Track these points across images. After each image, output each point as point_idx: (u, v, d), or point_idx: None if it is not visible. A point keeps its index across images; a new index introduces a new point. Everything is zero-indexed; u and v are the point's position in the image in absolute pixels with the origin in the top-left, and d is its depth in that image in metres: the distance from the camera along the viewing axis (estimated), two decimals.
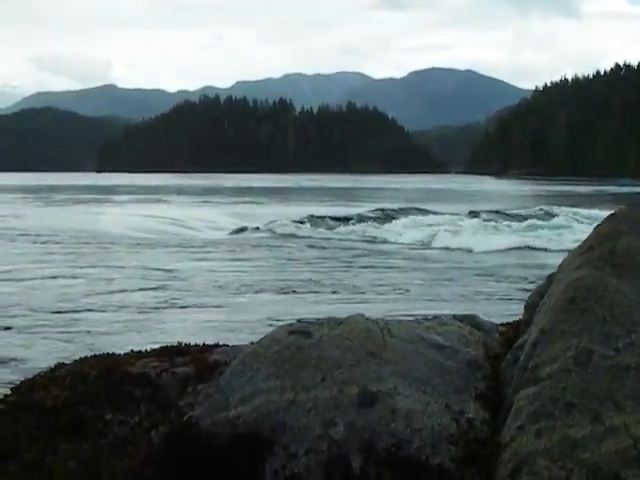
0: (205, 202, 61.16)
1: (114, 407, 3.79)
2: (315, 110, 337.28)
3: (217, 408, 3.60)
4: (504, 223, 36.46)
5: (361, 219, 38.37)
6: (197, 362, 4.04)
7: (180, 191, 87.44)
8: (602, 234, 4.01)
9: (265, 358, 3.75)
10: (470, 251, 26.69)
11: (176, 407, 3.75)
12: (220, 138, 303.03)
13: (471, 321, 4.34)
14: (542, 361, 3.42)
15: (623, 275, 3.68)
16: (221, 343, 4.46)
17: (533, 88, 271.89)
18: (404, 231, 33.41)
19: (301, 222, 35.69)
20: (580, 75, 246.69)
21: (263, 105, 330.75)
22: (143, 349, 4.37)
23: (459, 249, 27.41)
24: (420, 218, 38.72)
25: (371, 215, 40.13)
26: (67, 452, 3.65)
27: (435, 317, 4.35)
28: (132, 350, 4.37)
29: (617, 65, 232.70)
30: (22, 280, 18.51)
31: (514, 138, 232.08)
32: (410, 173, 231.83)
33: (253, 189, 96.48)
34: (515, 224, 36.03)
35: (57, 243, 28.10)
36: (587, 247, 3.98)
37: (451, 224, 34.95)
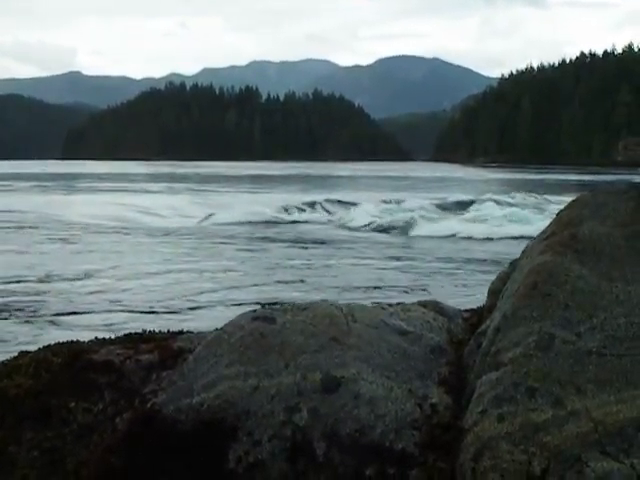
0: (172, 190, 60.96)
1: (78, 395, 3.77)
2: (282, 98, 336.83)
3: (180, 395, 3.59)
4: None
5: (323, 206, 38.69)
6: (161, 349, 4.03)
7: (146, 179, 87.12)
8: (564, 220, 4.04)
9: (228, 344, 3.75)
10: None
11: (140, 394, 3.74)
12: (187, 126, 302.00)
13: (435, 307, 4.36)
14: (504, 346, 3.44)
15: (585, 260, 3.70)
16: (185, 330, 4.45)
17: (499, 76, 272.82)
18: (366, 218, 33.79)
19: (268, 209, 35.85)
20: (546, 63, 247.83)
21: (229, 92, 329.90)
22: (106, 336, 4.35)
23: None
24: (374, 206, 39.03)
25: (332, 203, 40.49)
26: (31, 441, 3.63)
27: (399, 303, 4.36)
28: (96, 337, 4.35)
29: (582, 53, 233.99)
30: None
31: (480, 126, 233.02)
32: (375, 161, 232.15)
33: (220, 177, 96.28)
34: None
35: (21, 228, 28.06)
36: (550, 233, 4.01)
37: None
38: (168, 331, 4.42)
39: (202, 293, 15.48)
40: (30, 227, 29.06)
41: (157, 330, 4.43)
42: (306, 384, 3.50)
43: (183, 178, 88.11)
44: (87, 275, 17.29)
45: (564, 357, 3.30)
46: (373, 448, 3.32)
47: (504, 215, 33.44)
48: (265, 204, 38.20)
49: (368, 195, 47.11)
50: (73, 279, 16.80)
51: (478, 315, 4.27)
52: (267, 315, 3.89)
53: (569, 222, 3.98)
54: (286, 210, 36.78)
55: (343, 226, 31.57)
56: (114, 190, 59.60)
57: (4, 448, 3.61)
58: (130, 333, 4.36)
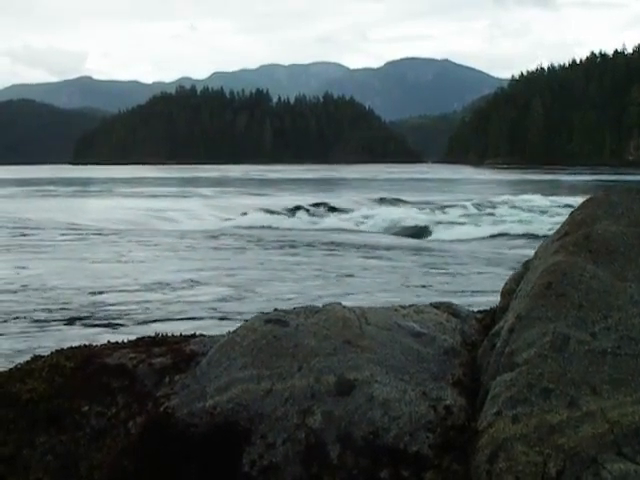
0: (184, 194, 61.08)
1: (91, 399, 3.77)
2: (292, 101, 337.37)
3: (194, 398, 3.59)
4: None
5: (335, 209, 38.74)
6: (174, 352, 4.02)
7: (158, 183, 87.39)
8: (577, 220, 4.02)
9: (241, 347, 3.74)
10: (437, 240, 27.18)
11: (153, 398, 3.74)
12: (197, 129, 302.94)
13: (448, 308, 4.35)
14: (518, 347, 3.42)
15: (599, 260, 3.69)
16: (198, 333, 4.45)
17: (509, 77, 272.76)
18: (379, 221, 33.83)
19: (278, 213, 35.87)
20: (556, 64, 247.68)
21: (240, 96, 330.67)
22: (120, 340, 4.35)
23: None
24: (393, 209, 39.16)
25: (344, 206, 40.59)
26: (44, 445, 3.63)
27: (412, 305, 4.35)
28: (109, 341, 4.35)
29: (592, 54, 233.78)
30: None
31: (491, 127, 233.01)
32: (387, 163, 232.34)
33: (231, 180, 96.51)
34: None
35: (36, 230, 28.10)
36: (563, 233, 3.99)
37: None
38: (181, 334, 4.42)
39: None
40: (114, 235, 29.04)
41: (170, 333, 4.42)
42: (320, 387, 3.50)
43: (201, 182, 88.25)
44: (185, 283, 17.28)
45: (579, 358, 3.29)
46: (387, 450, 3.31)
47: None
48: (279, 206, 38.26)
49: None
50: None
51: (491, 316, 4.25)
52: (280, 318, 3.89)
53: (582, 222, 3.97)
54: (308, 212, 36.80)
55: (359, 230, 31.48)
56: (152, 195, 59.56)
57: (18, 452, 3.61)
58: (142, 337, 4.36)
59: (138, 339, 4.32)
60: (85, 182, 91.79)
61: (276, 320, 3.86)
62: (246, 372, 3.61)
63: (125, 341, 4.31)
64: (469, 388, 3.64)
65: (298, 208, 37.61)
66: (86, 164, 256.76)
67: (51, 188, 72.03)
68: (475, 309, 4.58)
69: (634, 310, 3.44)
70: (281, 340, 3.72)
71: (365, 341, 3.72)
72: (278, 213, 35.74)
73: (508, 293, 4.11)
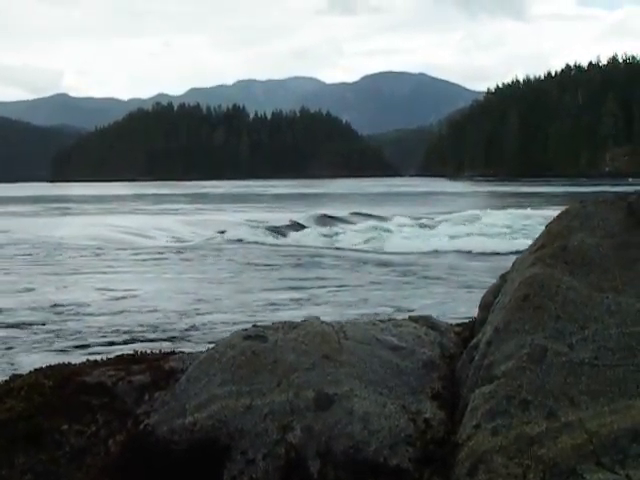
0: (162, 210, 60.90)
1: (71, 417, 3.75)
2: (269, 116, 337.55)
3: (173, 415, 3.58)
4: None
5: (310, 224, 38.76)
6: (153, 370, 4.02)
7: (136, 199, 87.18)
8: (553, 231, 4.04)
9: (220, 364, 3.74)
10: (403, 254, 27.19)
11: (133, 415, 3.73)
12: (175, 145, 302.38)
13: (426, 322, 4.35)
14: (496, 359, 3.44)
15: (575, 272, 3.71)
16: (177, 350, 4.44)
17: (485, 90, 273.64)
18: (354, 236, 33.81)
19: (253, 229, 35.80)
20: (532, 76, 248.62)
21: (217, 111, 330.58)
22: (99, 358, 4.34)
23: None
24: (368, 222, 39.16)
25: (320, 220, 40.64)
26: (24, 465, 3.61)
27: (390, 318, 4.36)
28: (88, 359, 4.34)
29: (568, 66, 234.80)
30: None
31: (467, 140, 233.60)
32: (363, 177, 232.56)
33: (209, 196, 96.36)
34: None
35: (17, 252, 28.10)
36: (539, 245, 4.01)
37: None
38: (160, 351, 4.41)
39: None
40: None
41: (149, 351, 4.42)
42: (299, 402, 3.50)
43: (179, 198, 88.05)
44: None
45: (557, 369, 3.30)
46: (368, 464, 3.32)
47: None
48: (254, 221, 38.18)
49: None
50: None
51: (470, 329, 4.27)
52: (259, 333, 3.89)
53: (558, 234, 3.99)
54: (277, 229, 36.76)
55: (333, 246, 31.39)
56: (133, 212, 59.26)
57: None
58: (122, 354, 4.35)
59: (117, 357, 4.31)
60: (61, 199, 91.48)
61: (255, 336, 3.86)
62: (225, 388, 3.60)
63: (104, 359, 4.29)
64: (448, 401, 3.65)
65: (275, 225, 37.63)
66: (63, 181, 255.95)
67: (24, 209, 71.84)
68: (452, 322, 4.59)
69: (611, 321, 3.45)
70: (260, 356, 3.72)
71: (344, 355, 3.73)
72: (256, 228, 35.65)
73: (486, 306, 4.12)
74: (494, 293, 4.13)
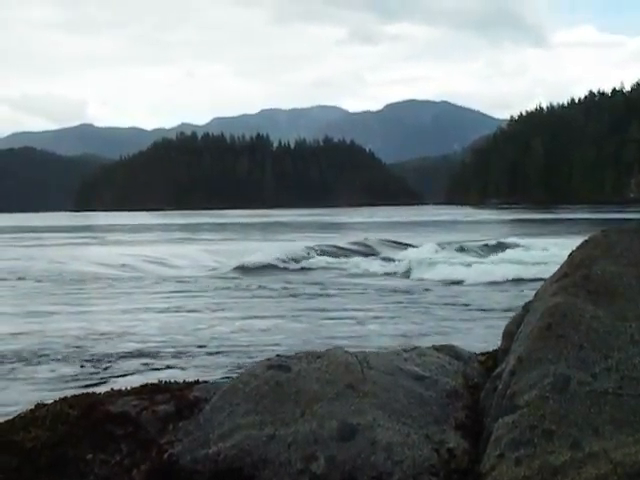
0: (186, 239, 61.10)
1: (95, 447, 3.76)
2: (292, 145, 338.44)
3: (197, 445, 3.59)
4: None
5: (338, 253, 38.75)
6: (177, 399, 4.02)
7: (160, 229, 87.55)
8: (576, 260, 4.03)
9: (244, 393, 3.74)
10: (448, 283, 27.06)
11: (157, 445, 3.73)
12: (198, 175, 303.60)
13: (450, 351, 4.35)
14: (520, 389, 3.43)
15: (598, 301, 3.70)
16: (201, 380, 4.45)
17: (508, 117, 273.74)
18: (383, 264, 33.76)
19: (281, 258, 35.75)
20: (555, 103, 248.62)
21: (240, 141, 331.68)
22: (123, 388, 4.35)
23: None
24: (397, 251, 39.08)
25: (349, 248, 40.61)
26: None
27: (414, 348, 4.35)
28: (112, 389, 4.35)
29: (591, 92, 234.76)
30: None
31: (491, 168, 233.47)
32: (388, 205, 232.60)
33: (233, 225, 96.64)
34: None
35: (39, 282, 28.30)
36: (562, 274, 4.00)
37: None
38: (184, 381, 4.42)
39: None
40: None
41: (173, 380, 4.43)
42: (322, 432, 3.49)
43: (203, 227, 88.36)
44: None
45: (580, 399, 3.29)
46: None
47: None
48: (281, 250, 38.15)
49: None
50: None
51: (493, 358, 4.26)
52: (282, 363, 3.89)
53: (581, 262, 3.98)
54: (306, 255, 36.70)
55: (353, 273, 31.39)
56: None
57: None
58: (146, 384, 4.36)
59: (141, 386, 4.32)
60: (87, 229, 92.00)
61: (278, 366, 3.87)
62: (249, 418, 3.61)
63: (128, 388, 4.31)
64: (472, 430, 3.63)
65: (299, 254, 37.57)
66: (88, 211, 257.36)
67: (47, 235, 72.28)
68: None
69: (635, 350, 3.44)
70: (283, 386, 3.73)
71: (367, 385, 3.73)
72: (278, 258, 35.62)
73: (509, 335, 4.11)
74: (517, 322, 4.12)
